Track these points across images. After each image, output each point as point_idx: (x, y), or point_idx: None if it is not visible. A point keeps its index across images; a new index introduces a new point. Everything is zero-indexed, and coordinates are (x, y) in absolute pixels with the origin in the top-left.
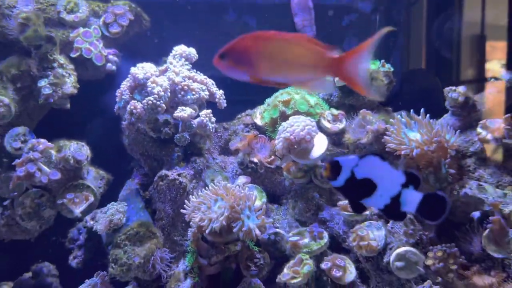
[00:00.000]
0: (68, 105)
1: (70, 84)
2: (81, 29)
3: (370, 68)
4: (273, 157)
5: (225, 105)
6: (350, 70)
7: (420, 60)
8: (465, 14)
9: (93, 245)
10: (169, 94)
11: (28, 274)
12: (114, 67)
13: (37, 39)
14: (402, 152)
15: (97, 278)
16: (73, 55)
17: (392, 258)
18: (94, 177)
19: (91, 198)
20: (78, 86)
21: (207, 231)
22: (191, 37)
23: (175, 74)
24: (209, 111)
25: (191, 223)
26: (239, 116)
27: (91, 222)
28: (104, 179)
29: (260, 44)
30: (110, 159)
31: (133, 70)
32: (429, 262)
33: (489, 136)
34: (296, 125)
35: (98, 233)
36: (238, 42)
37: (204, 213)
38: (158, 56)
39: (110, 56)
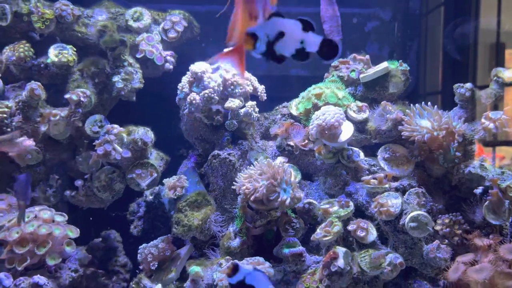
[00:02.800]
0: (134, 98)
1: (137, 80)
2: (145, 34)
3: (390, 67)
4: (306, 141)
5: (266, 98)
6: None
7: (437, 64)
8: (481, 21)
9: (151, 217)
10: (221, 88)
11: (98, 239)
12: (171, 67)
13: (113, 42)
14: (416, 138)
15: (160, 240)
16: (138, 56)
17: (407, 220)
18: (156, 158)
19: (155, 174)
20: (143, 81)
21: (251, 199)
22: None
23: (225, 71)
24: (254, 102)
25: (240, 191)
26: (277, 107)
27: (150, 197)
28: (163, 160)
29: None
30: (167, 144)
31: (192, 67)
32: (438, 227)
33: (491, 126)
34: (328, 114)
35: (163, 197)
36: None
37: (250, 185)
38: (204, 57)
39: (168, 57)
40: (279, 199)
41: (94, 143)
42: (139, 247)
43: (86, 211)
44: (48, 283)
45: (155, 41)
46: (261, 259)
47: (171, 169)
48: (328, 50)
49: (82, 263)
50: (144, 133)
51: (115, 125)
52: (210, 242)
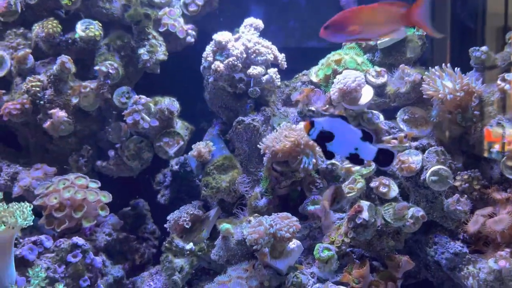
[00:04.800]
0: (158, 70)
1: (161, 52)
2: (167, 8)
3: (406, 33)
4: (327, 106)
5: (286, 66)
6: (417, 19)
7: (445, 29)
8: None
9: (177, 186)
10: (244, 56)
11: (127, 208)
12: (192, 40)
13: (137, 16)
14: (439, 96)
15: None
16: (161, 29)
17: (428, 174)
18: (181, 127)
19: (181, 142)
20: (167, 54)
21: (278, 156)
22: (250, 15)
23: (247, 40)
24: (275, 69)
25: (265, 151)
26: (297, 75)
27: (176, 167)
28: (188, 129)
29: (354, 14)
30: (188, 118)
31: (216, 36)
32: (457, 183)
33: (507, 87)
34: (348, 78)
35: (189, 160)
36: (338, 16)
37: (275, 146)
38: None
39: (189, 31)
40: (302, 163)
41: (123, 114)
42: (174, 212)
43: (114, 180)
44: (86, 244)
45: (176, 15)
46: (289, 214)
47: (195, 140)
48: (384, 157)
49: (115, 228)
50: (170, 103)
51: (142, 96)
52: (237, 203)
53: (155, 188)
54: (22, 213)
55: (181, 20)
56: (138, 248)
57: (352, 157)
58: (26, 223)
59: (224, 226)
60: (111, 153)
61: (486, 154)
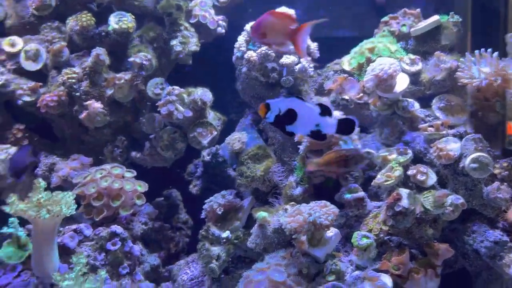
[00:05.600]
0: (190, 61)
1: (193, 43)
2: (198, 0)
3: (440, 20)
4: (361, 94)
5: (318, 55)
6: (297, 38)
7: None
8: None
9: (208, 176)
10: None
11: (160, 198)
12: (223, 31)
13: (169, 7)
14: (474, 84)
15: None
16: (192, 21)
17: (467, 161)
18: (213, 118)
19: (214, 132)
20: (199, 45)
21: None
22: (277, 6)
23: None
24: (308, 58)
25: (302, 141)
26: (328, 65)
27: (208, 157)
28: (220, 120)
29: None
30: (218, 109)
31: (248, 26)
32: (497, 171)
33: None
34: (384, 64)
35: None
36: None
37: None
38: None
39: (220, 22)
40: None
41: (157, 104)
42: (206, 200)
43: (146, 171)
44: (124, 232)
45: (207, 6)
46: (327, 202)
47: (226, 131)
48: (346, 127)
49: (150, 217)
50: (203, 93)
51: (176, 87)
52: (272, 192)
53: (186, 179)
54: (66, 202)
55: (212, 11)
56: (173, 237)
57: (314, 134)
58: (70, 212)
59: (261, 214)
60: (147, 143)
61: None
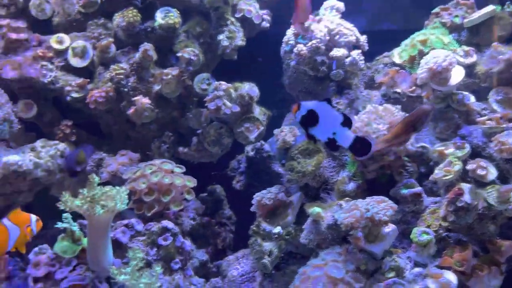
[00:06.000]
0: (235, 56)
1: (239, 38)
2: None
3: (496, 10)
4: (414, 87)
5: (367, 48)
6: None
7: None
8: None
9: (252, 171)
10: (327, 38)
11: (204, 194)
12: (267, 25)
13: (217, 2)
14: None
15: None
16: (237, 15)
17: None
18: (259, 113)
19: (261, 127)
20: (245, 39)
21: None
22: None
23: (329, 22)
24: (359, 51)
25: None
26: (377, 58)
27: (252, 153)
28: (266, 115)
29: None
30: (261, 104)
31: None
32: None
33: None
34: (438, 57)
35: (270, 147)
36: None
37: (369, 128)
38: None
39: (265, 16)
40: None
41: (204, 100)
42: (254, 195)
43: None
44: (175, 227)
45: (252, 0)
46: (384, 197)
47: (271, 126)
48: (361, 146)
49: (198, 212)
50: (250, 88)
51: (223, 82)
52: (322, 187)
53: (229, 174)
54: (120, 197)
55: (257, 5)
56: (219, 232)
57: (330, 142)
58: (124, 207)
59: (315, 210)
60: (194, 139)
61: None
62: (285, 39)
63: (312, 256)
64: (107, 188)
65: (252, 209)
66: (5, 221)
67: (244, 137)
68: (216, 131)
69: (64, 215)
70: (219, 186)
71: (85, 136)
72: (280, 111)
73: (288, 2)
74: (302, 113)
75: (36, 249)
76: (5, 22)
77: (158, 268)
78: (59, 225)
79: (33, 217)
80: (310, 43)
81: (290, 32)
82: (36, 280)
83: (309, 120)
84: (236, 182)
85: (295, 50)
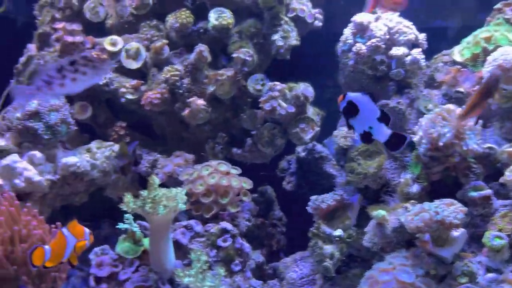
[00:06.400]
0: (288, 56)
1: (293, 38)
2: None
3: None
4: (477, 86)
5: (426, 46)
6: None
7: None
8: None
9: (303, 172)
10: (387, 37)
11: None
12: (320, 24)
13: (271, 1)
14: None
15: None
16: (290, 15)
17: None
18: (313, 113)
19: (316, 128)
20: (299, 39)
21: (440, 144)
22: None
23: (388, 20)
24: (419, 49)
25: (422, 137)
26: (436, 56)
27: (303, 154)
28: (319, 115)
29: None
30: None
31: (355, 18)
32: None
33: None
34: (508, 54)
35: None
36: None
37: (434, 130)
38: (343, 15)
39: (317, 15)
40: (464, 148)
41: (259, 100)
42: (311, 197)
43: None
44: (234, 229)
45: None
46: (453, 200)
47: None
48: (396, 141)
49: (252, 213)
50: (305, 88)
51: (277, 82)
52: (383, 190)
53: (278, 175)
54: (181, 198)
55: (309, 4)
56: (273, 234)
57: (364, 135)
58: (184, 207)
59: (380, 213)
60: (248, 140)
61: None
62: (342, 38)
63: (375, 260)
64: (165, 189)
65: (310, 210)
66: (65, 231)
67: (298, 137)
68: (270, 132)
69: (126, 216)
70: (269, 187)
71: (138, 137)
72: (329, 111)
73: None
74: (344, 103)
75: (97, 249)
76: (61, 25)
77: (221, 271)
78: (121, 226)
79: (87, 230)
80: (369, 42)
81: (348, 31)
82: (98, 280)
83: (350, 111)
84: (286, 183)
85: (353, 49)
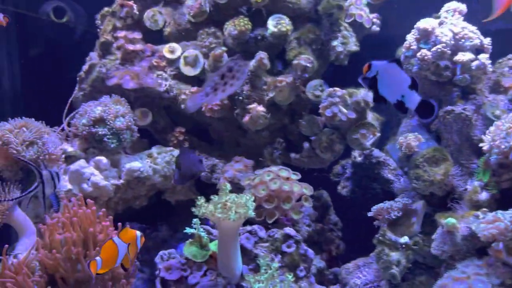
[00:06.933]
0: (346, 62)
1: (353, 43)
2: None
3: None
4: None
5: (491, 51)
6: None
7: None
8: None
9: (358, 177)
10: (452, 42)
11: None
12: (377, 29)
13: (330, 8)
14: None
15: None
16: (348, 20)
17: None
18: (373, 118)
19: (377, 134)
20: (358, 44)
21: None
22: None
23: (453, 25)
24: (487, 55)
25: (492, 146)
26: (500, 60)
27: (359, 159)
28: (378, 121)
29: None
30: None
31: (419, 24)
32: None
33: None
34: None
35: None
36: None
37: (501, 141)
38: (400, 18)
39: (375, 20)
40: None
41: (319, 106)
42: (379, 205)
43: None
44: (298, 235)
45: (363, 4)
46: None
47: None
48: (425, 110)
49: (311, 219)
50: (365, 94)
51: (337, 88)
52: (450, 197)
53: (333, 180)
54: (251, 204)
55: (367, 9)
56: (332, 239)
57: (398, 104)
58: (253, 214)
59: (450, 220)
60: (306, 145)
61: None
62: (406, 44)
63: (443, 268)
64: (235, 195)
65: (370, 215)
66: (116, 239)
67: (358, 143)
68: (328, 138)
69: (194, 220)
70: (324, 192)
71: (196, 142)
72: (385, 116)
73: (391, 3)
74: (372, 73)
75: (164, 253)
76: (122, 34)
77: (290, 276)
78: (188, 230)
79: (138, 233)
80: (434, 48)
81: (411, 37)
82: (165, 283)
83: (374, 82)
84: (341, 188)
85: (418, 55)
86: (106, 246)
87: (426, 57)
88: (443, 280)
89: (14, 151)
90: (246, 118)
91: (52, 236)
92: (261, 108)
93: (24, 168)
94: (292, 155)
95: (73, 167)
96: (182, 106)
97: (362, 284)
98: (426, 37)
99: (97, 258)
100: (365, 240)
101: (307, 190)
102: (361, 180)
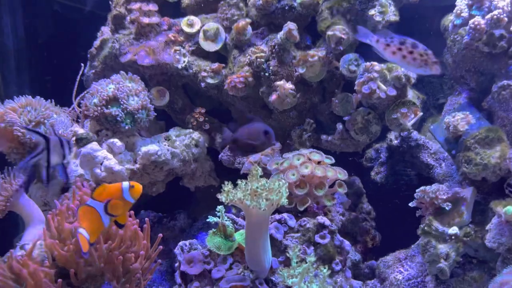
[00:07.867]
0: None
1: (392, 13)
2: None
3: None
4: None
5: None
6: None
7: None
8: None
9: (395, 162)
10: (510, 8)
11: None
12: None
13: None
14: None
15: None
16: None
17: None
18: (413, 96)
19: (420, 113)
20: (398, 14)
21: None
22: None
23: None
24: None
25: None
26: None
27: (396, 141)
28: (419, 99)
29: None
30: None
31: None
32: None
33: None
34: None
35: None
36: None
37: None
38: None
39: None
40: None
41: (356, 82)
42: (418, 189)
43: None
44: (332, 224)
45: None
46: None
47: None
48: None
49: (345, 207)
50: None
51: (375, 62)
52: (507, 182)
53: (365, 165)
54: (285, 190)
55: None
56: (368, 229)
57: None
58: (286, 201)
59: (509, 209)
60: (339, 126)
61: None
62: (455, 11)
63: (499, 262)
64: (266, 181)
65: (414, 204)
66: (90, 201)
67: (397, 124)
68: (364, 118)
69: (218, 207)
70: (357, 178)
71: (218, 124)
72: (427, 94)
73: None
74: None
75: (184, 244)
76: (136, 5)
77: (324, 270)
78: (211, 219)
79: (125, 184)
80: (489, 15)
81: (461, 3)
82: (185, 276)
83: None
84: (375, 174)
85: (470, 23)
86: (82, 212)
87: (478, 26)
88: (504, 277)
89: (19, 133)
90: (273, 96)
91: (61, 225)
92: (289, 86)
93: (33, 150)
94: (323, 137)
95: (84, 150)
96: (202, 84)
97: (404, 280)
98: (479, 2)
99: (80, 229)
100: (401, 230)
101: (341, 175)
102: (397, 165)
